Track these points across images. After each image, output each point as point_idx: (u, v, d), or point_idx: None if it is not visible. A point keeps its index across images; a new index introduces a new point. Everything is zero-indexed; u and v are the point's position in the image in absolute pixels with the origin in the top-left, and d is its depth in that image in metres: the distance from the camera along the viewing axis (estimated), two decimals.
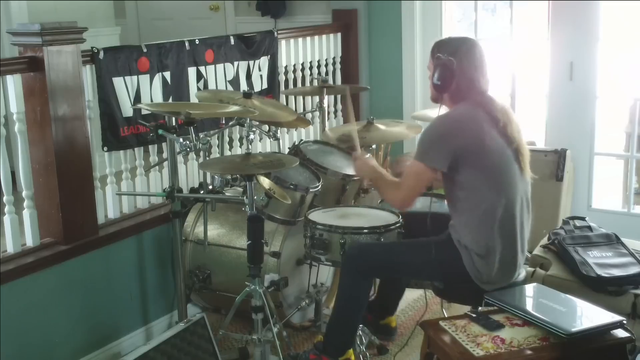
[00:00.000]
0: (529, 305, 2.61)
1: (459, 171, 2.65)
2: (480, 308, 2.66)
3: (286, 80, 4.44)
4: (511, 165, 2.68)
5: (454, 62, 2.68)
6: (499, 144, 2.65)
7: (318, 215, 3.17)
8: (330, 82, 4.64)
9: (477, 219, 2.67)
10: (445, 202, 3.30)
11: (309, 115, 4.47)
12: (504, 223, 2.67)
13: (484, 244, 2.67)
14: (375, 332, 3.27)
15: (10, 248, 3.00)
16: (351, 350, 2.95)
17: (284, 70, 4.40)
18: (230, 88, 3.94)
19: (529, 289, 2.76)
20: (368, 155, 3.09)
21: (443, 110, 2.85)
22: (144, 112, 3.39)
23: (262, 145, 4.18)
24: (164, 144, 3.28)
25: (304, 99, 4.56)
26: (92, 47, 3.24)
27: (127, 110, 3.39)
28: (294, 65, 4.50)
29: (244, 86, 4.00)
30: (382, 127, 3.68)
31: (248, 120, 3.30)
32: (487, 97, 2.73)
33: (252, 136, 3.33)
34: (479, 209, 2.66)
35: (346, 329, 2.92)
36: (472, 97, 2.71)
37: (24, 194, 3.06)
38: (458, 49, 2.71)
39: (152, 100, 3.50)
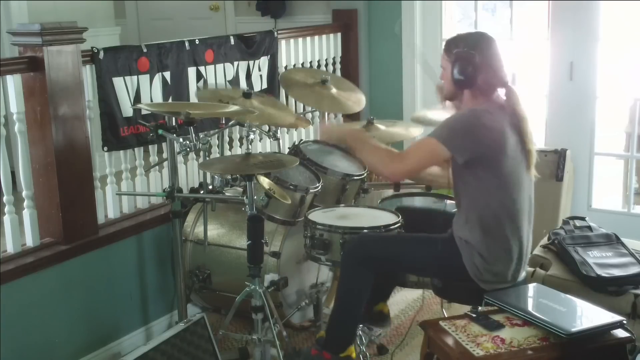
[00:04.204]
0: (529, 305, 2.61)
1: (474, 170, 2.64)
2: (480, 308, 2.65)
3: None
4: (521, 166, 2.68)
5: (476, 55, 2.64)
6: (515, 146, 2.64)
7: (318, 215, 3.17)
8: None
9: (484, 219, 2.66)
10: (447, 201, 3.32)
11: (309, 115, 4.47)
12: (510, 224, 2.67)
13: (490, 244, 2.66)
14: (369, 320, 3.24)
15: (10, 248, 3.00)
16: (353, 347, 2.95)
17: (284, 70, 4.39)
18: (229, 88, 3.94)
19: (529, 289, 2.76)
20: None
21: (449, 109, 2.85)
22: (144, 112, 3.39)
23: (262, 145, 4.18)
24: (164, 144, 3.28)
25: None
26: (92, 47, 3.24)
27: (127, 110, 3.39)
28: (294, 65, 4.50)
29: (243, 86, 4.00)
30: (381, 127, 3.68)
31: (248, 120, 3.30)
32: (511, 90, 2.70)
33: (252, 136, 3.33)
34: (487, 209, 2.65)
35: (347, 323, 2.91)
36: (496, 90, 2.68)
37: (24, 194, 3.06)
38: (478, 42, 2.68)
39: (152, 100, 3.50)
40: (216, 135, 3.68)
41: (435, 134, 2.66)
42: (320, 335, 3.03)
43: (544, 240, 3.42)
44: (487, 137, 2.60)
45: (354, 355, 2.95)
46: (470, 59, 2.65)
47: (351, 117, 4.92)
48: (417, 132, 3.77)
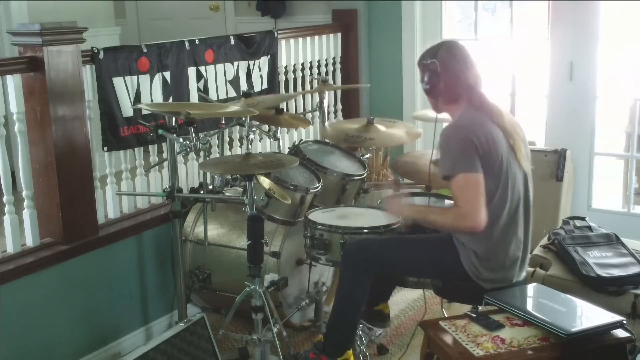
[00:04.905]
0: (529, 305, 2.61)
1: None
2: (480, 308, 2.65)
3: (286, 80, 4.44)
4: (513, 161, 2.68)
5: (436, 63, 2.70)
6: (503, 143, 2.65)
7: (318, 215, 3.17)
8: (330, 82, 4.64)
9: None
10: (446, 201, 3.32)
11: (309, 115, 4.47)
12: (508, 224, 2.67)
13: (487, 243, 2.66)
14: (368, 320, 3.24)
15: (10, 248, 3.00)
16: (351, 352, 2.95)
17: (284, 70, 4.40)
18: (230, 88, 3.94)
19: (529, 289, 2.76)
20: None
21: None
22: (144, 112, 3.40)
23: (262, 145, 4.18)
24: (164, 144, 3.28)
25: (304, 98, 4.56)
26: (92, 47, 3.24)
27: (127, 110, 3.39)
28: (294, 65, 4.50)
29: (244, 86, 4.00)
30: (381, 127, 3.68)
31: (248, 120, 3.30)
32: (477, 92, 2.72)
33: (252, 136, 3.33)
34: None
35: (345, 327, 2.92)
36: (462, 93, 2.70)
37: (24, 194, 3.06)
38: (438, 50, 2.74)
39: (152, 100, 3.50)
40: (216, 135, 3.68)
41: (449, 171, 2.61)
42: (319, 339, 3.03)
43: (544, 240, 3.41)
44: (476, 139, 2.59)
45: (352, 359, 2.96)
46: (430, 67, 2.72)
47: (350, 114, 4.94)
48: (417, 131, 3.78)
